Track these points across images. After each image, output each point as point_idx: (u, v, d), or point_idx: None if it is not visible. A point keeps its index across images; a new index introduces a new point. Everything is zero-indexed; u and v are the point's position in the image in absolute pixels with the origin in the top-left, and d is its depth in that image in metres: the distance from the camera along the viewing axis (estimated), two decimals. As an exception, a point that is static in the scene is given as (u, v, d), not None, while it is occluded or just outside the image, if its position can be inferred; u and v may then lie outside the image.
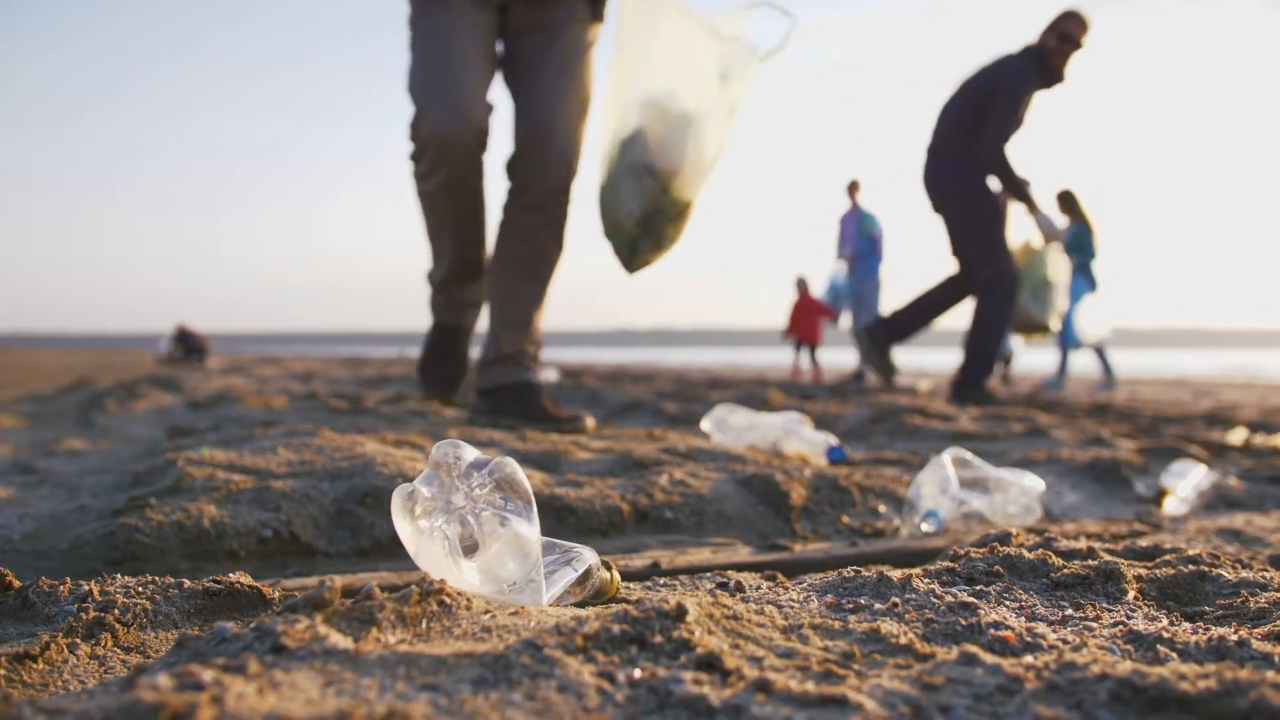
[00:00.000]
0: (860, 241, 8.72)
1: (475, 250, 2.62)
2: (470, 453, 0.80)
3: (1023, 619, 0.77)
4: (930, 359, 18.64)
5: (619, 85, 2.30)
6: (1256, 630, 0.74)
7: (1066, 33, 4.40)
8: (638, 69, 2.26)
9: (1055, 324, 5.00)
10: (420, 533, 0.77)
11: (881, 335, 4.97)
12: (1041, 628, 0.73)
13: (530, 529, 0.78)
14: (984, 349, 4.56)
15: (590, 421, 2.44)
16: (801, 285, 9.95)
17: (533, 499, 0.80)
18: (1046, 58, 4.46)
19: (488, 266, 2.64)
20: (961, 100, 4.64)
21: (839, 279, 9.04)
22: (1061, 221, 7.48)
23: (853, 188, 8.91)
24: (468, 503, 0.78)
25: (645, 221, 2.29)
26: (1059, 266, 4.88)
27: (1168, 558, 0.97)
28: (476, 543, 0.77)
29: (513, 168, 2.51)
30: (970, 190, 4.58)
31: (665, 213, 2.27)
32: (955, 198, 4.61)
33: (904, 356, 21.09)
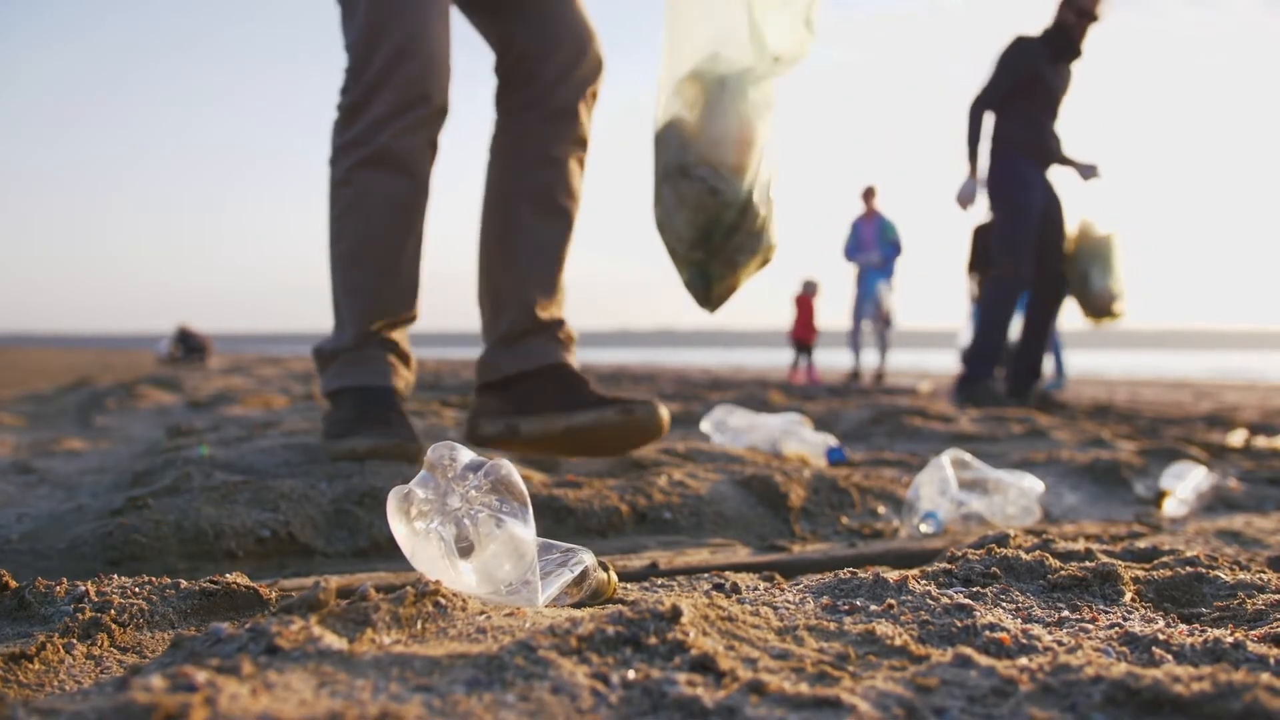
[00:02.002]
0: (885, 247, 8.76)
1: (415, 275, 1.77)
2: (466, 454, 0.80)
3: (1019, 621, 0.77)
4: (931, 360, 18.63)
5: (660, 74, 1.74)
6: (1253, 632, 0.74)
7: (1083, 8, 4.47)
8: (674, 43, 1.69)
9: (1120, 308, 4.76)
10: (416, 534, 0.77)
11: (1020, 386, 4.77)
12: (1037, 629, 0.73)
13: (526, 530, 0.78)
14: (985, 349, 4.56)
15: (665, 411, 1.69)
16: (809, 288, 9.92)
17: (528, 500, 0.80)
18: (1066, 33, 4.52)
19: (487, 210, 1.86)
20: None
21: (874, 281, 8.92)
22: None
23: (869, 194, 8.92)
24: (463, 504, 0.78)
25: (704, 240, 1.66)
26: (1120, 248, 4.73)
27: (1165, 559, 0.96)
28: (472, 544, 0.77)
29: (518, 71, 1.81)
30: (995, 186, 4.58)
31: (722, 220, 1.63)
32: (989, 192, 4.63)
33: (905, 357, 21.10)
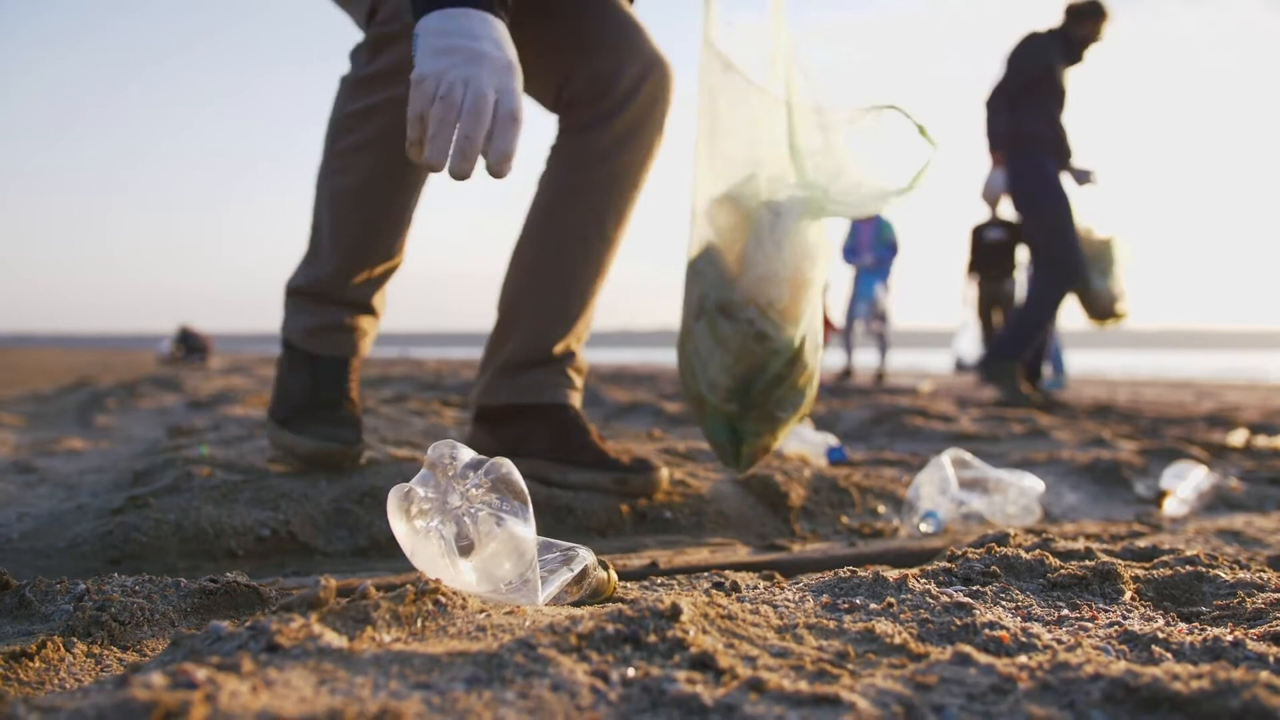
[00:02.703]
0: (880, 249, 8.77)
1: (410, 220, 1.65)
2: (466, 453, 0.80)
3: (1018, 619, 0.77)
4: (931, 360, 18.64)
5: (692, 199, 1.49)
6: (1252, 631, 0.74)
7: (1101, 30, 4.64)
8: (707, 164, 1.44)
9: (1124, 307, 4.82)
10: (416, 533, 0.77)
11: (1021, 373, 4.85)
12: (1037, 628, 0.73)
13: (526, 529, 0.78)
14: (1019, 335, 4.58)
15: (665, 472, 1.57)
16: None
17: (529, 499, 0.80)
18: (1078, 43, 4.64)
19: (529, 224, 1.65)
20: None
21: (871, 284, 8.92)
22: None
23: None
24: (464, 503, 0.78)
25: (742, 391, 1.42)
26: (1122, 251, 4.80)
27: (1165, 558, 0.96)
28: (472, 542, 0.77)
29: (591, 89, 1.60)
30: (1024, 185, 4.62)
31: (768, 370, 1.40)
32: (1013, 194, 4.67)
33: (905, 357, 21.10)
